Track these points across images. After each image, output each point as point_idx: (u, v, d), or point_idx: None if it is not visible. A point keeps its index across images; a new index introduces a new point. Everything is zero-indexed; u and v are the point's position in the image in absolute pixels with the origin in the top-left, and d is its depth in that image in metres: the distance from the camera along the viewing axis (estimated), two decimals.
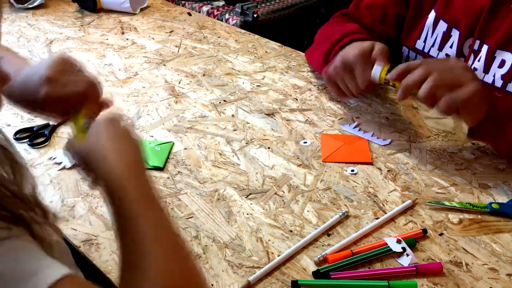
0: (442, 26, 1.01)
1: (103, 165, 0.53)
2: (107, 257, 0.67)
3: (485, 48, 0.94)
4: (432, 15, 1.03)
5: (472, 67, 0.97)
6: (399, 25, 1.10)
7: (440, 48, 1.03)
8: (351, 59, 0.90)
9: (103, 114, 0.65)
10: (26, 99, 0.63)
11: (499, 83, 0.92)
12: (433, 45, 1.04)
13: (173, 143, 0.91)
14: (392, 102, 1.05)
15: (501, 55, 0.92)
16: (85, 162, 0.56)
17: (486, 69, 0.94)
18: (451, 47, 1.01)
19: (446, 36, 1.01)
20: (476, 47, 0.96)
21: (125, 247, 0.49)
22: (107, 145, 0.54)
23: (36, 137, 0.91)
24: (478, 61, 0.95)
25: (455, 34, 1.00)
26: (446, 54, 1.02)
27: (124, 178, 0.52)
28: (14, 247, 0.42)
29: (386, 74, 0.86)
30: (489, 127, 0.81)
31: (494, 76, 0.93)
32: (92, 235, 0.71)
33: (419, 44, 1.07)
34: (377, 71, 0.87)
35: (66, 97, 0.62)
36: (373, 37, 1.11)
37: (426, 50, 1.06)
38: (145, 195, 0.52)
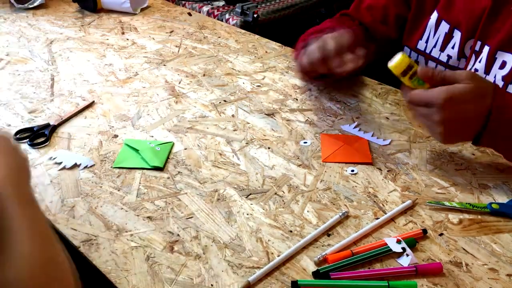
0: (444, 27, 1.01)
1: None
2: (106, 257, 0.67)
3: (486, 49, 0.94)
4: (434, 15, 1.03)
5: (473, 68, 0.97)
6: (401, 26, 1.10)
7: (442, 49, 1.03)
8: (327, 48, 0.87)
9: None
10: None
11: (500, 84, 0.92)
12: (435, 46, 1.04)
13: (173, 143, 0.91)
14: (392, 102, 1.05)
15: (502, 57, 0.92)
16: None
17: (487, 70, 0.94)
18: (452, 48, 1.01)
19: (448, 37, 1.01)
20: (477, 48, 0.96)
21: None
22: None
23: (36, 137, 0.91)
24: (479, 62, 0.95)
25: (457, 35, 0.99)
26: (448, 55, 1.02)
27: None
28: None
29: (409, 71, 0.78)
30: (492, 139, 0.79)
31: (495, 77, 0.93)
32: (92, 235, 0.71)
33: (421, 45, 1.07)
34: (396, 59, 0.79)
35: None
36: (375, 37, 1.11)
37: (428, 51, 1.06)
38: (23, 202, 0.57)
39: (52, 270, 0.54)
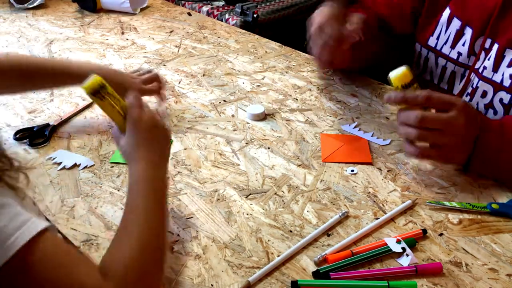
0: (456, 23, 1.00)
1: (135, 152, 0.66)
2: None
3: (495, 46, 0.94)
4: (446, 12, 1.02)
5: (482, 66, 0.97)
6: (415, 20, 1.09)
7: (453, 46, 1.02)
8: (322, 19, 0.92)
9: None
10: None
11: (507, 82, 0.92)
12: (445, 43, 1.03)
13: (172, 141, 0.91)
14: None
15: (510, 55, 0.91)
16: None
17: (495, 68, 0.93)
18: (463, 45, 1.00)
19: (459, 33, 1.00)
20: (487, 45, 0.96)
21: (124, 216, 0.61)
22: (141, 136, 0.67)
23: (36, 137, 0.91)
24: (488, 59, 0.95)
25: (468, 32, 0.99)
26: (458, 52, 1.01)
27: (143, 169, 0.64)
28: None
29: (410, 86, 0.79)
30: (481, 166, 0.82)
31: (502, 75, 0.93)
32: (92, 235, 0.71)
33: (432, 41, 1.05)
34: (398, 71, 0.80)
35: None
36: (391, 32, 1.10)
37: (438, 48, 1.04)
38: (154, 188, 0.64)
39: (151, 263, 0.58)
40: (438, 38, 1.05)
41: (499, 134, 0.80)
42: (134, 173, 0.64)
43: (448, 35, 1.03)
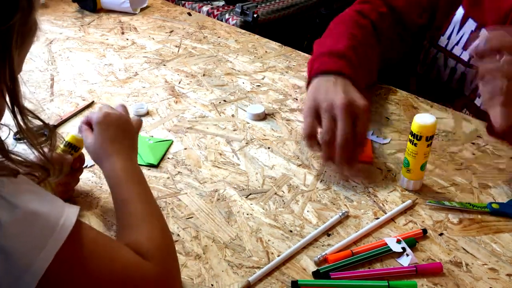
0: (471, 24, 0.98)
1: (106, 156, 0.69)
2: None
3: None
4: (460, 12, 1.00)
5: None
6: (432, 15, 1.05)
7: (465, 48, 1.00)
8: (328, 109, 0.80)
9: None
10: None
11: None
12: (457, 43, 1.01)
13: (172, 141, 0.91)
14: (392, 102, 1.05)
15: None
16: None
17: None
18: None
19: (474, 35, 0.99)
20: None
21: (120, 215, 0.63)
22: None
23: None
24: None
25: None
26: (470, 54, 1.00)
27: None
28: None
29: None
30: None
31: None
32: None
33: (442, 41, 1.03)
34: None
35: None
36: (404, 23, 1.05)
37: (449, 48, 1.02)
38: (139, 177, 0.67)
39: (167, 237, 0.61)
40: (449, 38, 1.02)
41: None
42: (113, 167, 0.66)
43: (460, 36, 1.01)
